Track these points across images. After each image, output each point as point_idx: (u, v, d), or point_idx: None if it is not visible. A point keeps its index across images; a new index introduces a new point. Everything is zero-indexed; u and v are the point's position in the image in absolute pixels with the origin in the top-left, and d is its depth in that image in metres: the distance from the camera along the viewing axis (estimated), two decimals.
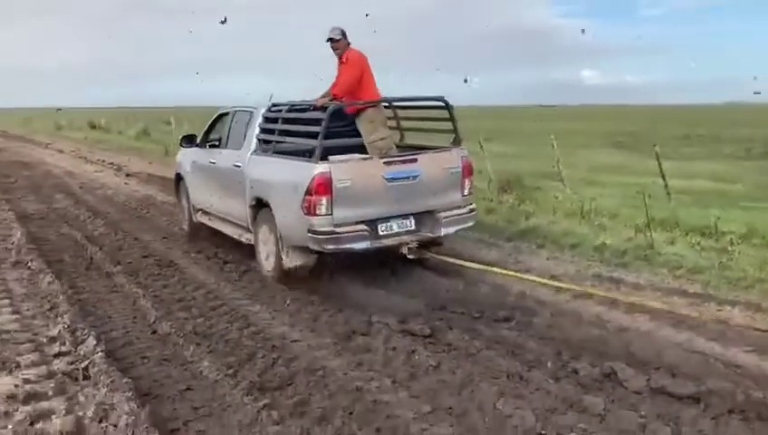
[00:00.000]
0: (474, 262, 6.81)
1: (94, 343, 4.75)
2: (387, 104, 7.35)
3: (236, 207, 7.48)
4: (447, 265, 6.84)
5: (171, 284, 6.72)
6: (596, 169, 16.83)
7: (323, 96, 6.98)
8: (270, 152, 7.13)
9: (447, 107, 7.09)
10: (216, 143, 8.41)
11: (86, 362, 4.40)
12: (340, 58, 7.02)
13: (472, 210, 7.06)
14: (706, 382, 4.04)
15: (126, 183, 14.89)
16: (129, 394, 3.86)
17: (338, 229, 6.15)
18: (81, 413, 3.70)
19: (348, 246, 6.20)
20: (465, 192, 6.97)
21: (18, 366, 4.32)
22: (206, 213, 8.60)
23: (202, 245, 8.33)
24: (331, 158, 6.43)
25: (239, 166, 7.38)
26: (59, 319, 5.36)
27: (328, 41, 7.01)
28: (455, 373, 4.36)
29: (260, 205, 6.97)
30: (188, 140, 8.98)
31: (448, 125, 7.03)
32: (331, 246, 6.16)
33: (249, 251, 7.31)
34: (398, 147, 7.34)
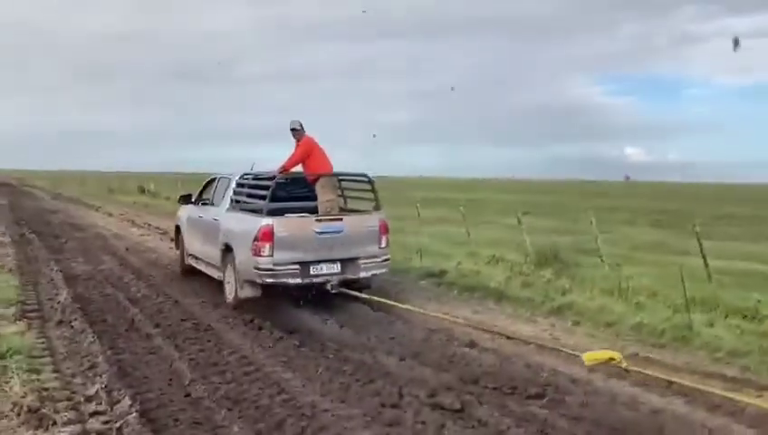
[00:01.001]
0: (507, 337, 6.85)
1: (129, 403, 4.87)
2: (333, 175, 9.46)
3: (214, 251, 9.48)
4: (483, 339, 6.93)
5: (207, 348, 6.84)
6: (636, 247, 16.64)
7: (279, 169, 9.23)
8: (238, 209, 9.23)
9: (370, 181, 9.31)
10: (206, 202, 10.66)
11: (120, 422, 4.51)
12: (297, 141, 9.42)
13: (386, 259, 9.03)
14: None
15: (170, 247, 15.26)
16: None
17: (276, 268, 8.14)
18: None
19: (283, 280, 8.22)
20: (382, 245, 8.90)
21: (55, 423, 4.44)
22: (195, 257, 10.68)
23: (239, 310, 8.48)
24: (287, 215, 8.61)
25: (217, 220, 9.55)
26: (97, 379, 5.51)
27: (291, 130, 9.49)
28: None
29: (227, 249, 8.97)
30: (185, 199, 11.49)
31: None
32: (270, 280, 8.18)
33: (285, 319, 7.86)
34: (342, 210, 9.48)
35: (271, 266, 8.13)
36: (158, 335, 7.30)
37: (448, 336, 7.26)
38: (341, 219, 8.73)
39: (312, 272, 8.36)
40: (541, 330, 7.73)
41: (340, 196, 9.80)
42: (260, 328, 7.61)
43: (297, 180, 9.57)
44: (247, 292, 8.53)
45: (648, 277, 10.26)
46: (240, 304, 8.60)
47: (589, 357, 6.02)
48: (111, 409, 4.83)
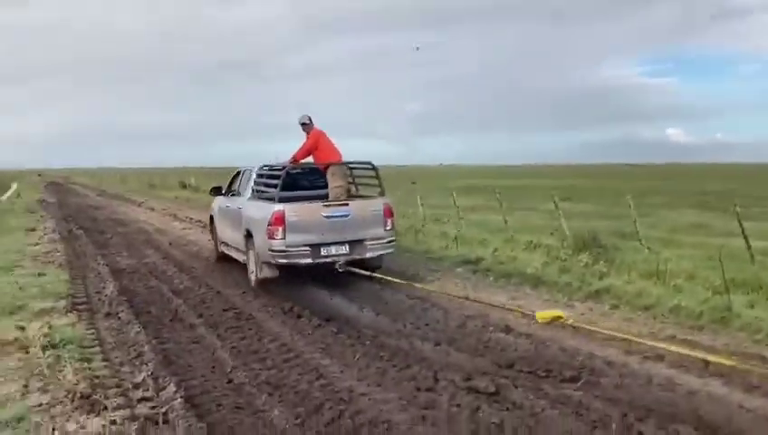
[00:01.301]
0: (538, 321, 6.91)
1: (174, 389, 5.07)
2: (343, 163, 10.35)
3: (239, 237, 10.32)
4: (518, 324, 7.02)
5: (248, 336, 7.03)
6: (676, 230, 16.39)
7: (290, 160, 10.29)
8: (256, 198, 10.13)
9: (374, 169, 10.19)
10: (233, 192, 11.51)
11: (166, 408, 4.71)
12: (307, 135, 10.34)
13: (391, 240, 9.77)
14: None
15: (210, 240, 15.62)
16: None
17: (289, 249, 8.97)
18: None
19: (296, 261, 9.06)
20: (387, 227, 9.66)
21: (106, 409, 4.66)
22: (226, 244, 11.55)
23: (278, 300, 8.67)
24: (298, 201, 9.39)
25: (240, 208, 10.46)
26: (144, 367, 5.75)
27: (300, 124, 10.38)
28: (517, 432, 4.39)
29: (249, 235, 9.81)
30: (217, 191, 12.48)
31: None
32: (283, 261, 9.02)
33: (323, 307, 8.17)
34: (350, 196, 10.32)
35: (284, 248, 8.98)
36: (200, 325, 7.53)
37: (484, 322, 7.31)
38: (348, 204, 9.55)
39: (322, 253, 9.22)
40: (578, 314, 7.72)
41: (351, 183, 10.72)
42: (299, 316, 7.78)
43: (314, 170, 10.65)
44: (266, 272, 9.41)
45: (687, 260, 10.15)
46: (263, 285, 9.48)
47: (540, 315, 7.16)
48: (158, 395, 5.05)
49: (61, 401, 4.78)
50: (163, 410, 4.67)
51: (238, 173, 11.72)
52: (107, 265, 11.62)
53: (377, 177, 10.09)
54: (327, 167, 10.22)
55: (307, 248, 9.07)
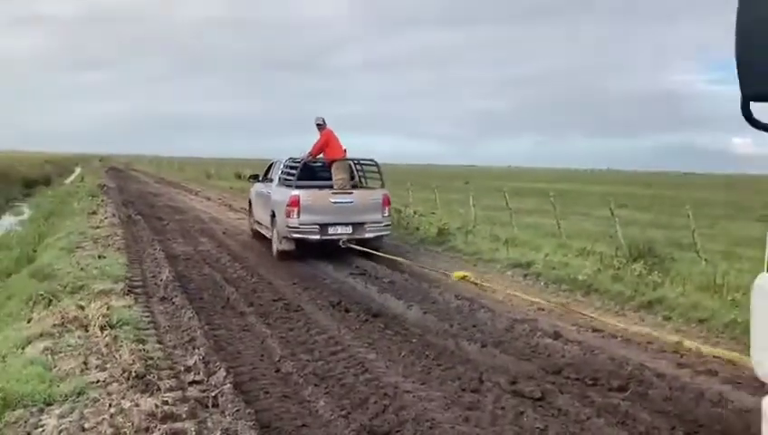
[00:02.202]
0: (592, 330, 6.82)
1: (224, 374, 5.20)
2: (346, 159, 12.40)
3: (266, 217, 12.46)
4: (567, 330, 6.94)
5: (297, 327, 7.15)
6: (738, 243, 15.87)
7: (307, 155, 12.32)
8: (282, 185, 12.11)
9: (376, 165, 12.53)
10: (267, 179, 13.51)
11: (216, 392, 4.84)
12: (320, 133, 12.31)
13: (387, 225, 11.95)
14: None
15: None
16: (251, 424, 4.23)
17: (301, 226, 11.10)
18: None
19: (307, 236, 11.19)
20: (385, 214, 11.76)
21: (159, 389, 4.81)
22: (258, 223, 13.74)
23: (327, 293, 8.78)
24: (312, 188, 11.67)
25: (269, 193, 12.50)
26: (195, 351, 5.90)
27: (316, 125, 12.29)
28: None
29: (273, 214, 11.87)
30: (254, 178, 15.02)
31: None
32: (297, 236, 11.18)
33: (371, 303, 8.29)
34: (354, 187, 12.36)
35: (297, 225, 11.10)
36: (251, 314, 7.69)
37: (532, 327, 7.25)
38: (352, 193, 11.81)
39: (329, 232, 11.32)
40: (631, 324, 7.58)
41: (353, 177, 12.81)
42: (347, 310, 7.86)
43: (324, 163, 12.55)
44: (284, 246, 11.48)
45: (747, 274, 9.81)
46: (281, 257, 11.55)
47: (456, 275, 9.65)
48: (208, 379, 5.18)
49: (117, 380, 4.96)
50: (213, 394, 4.80)
51: (272, 164, 13.71)
52: (163, 251, 11.95)
53: (378, 172, 12.42)
54: (332, 162, 12.19)
55: (317, 227, 11.20)
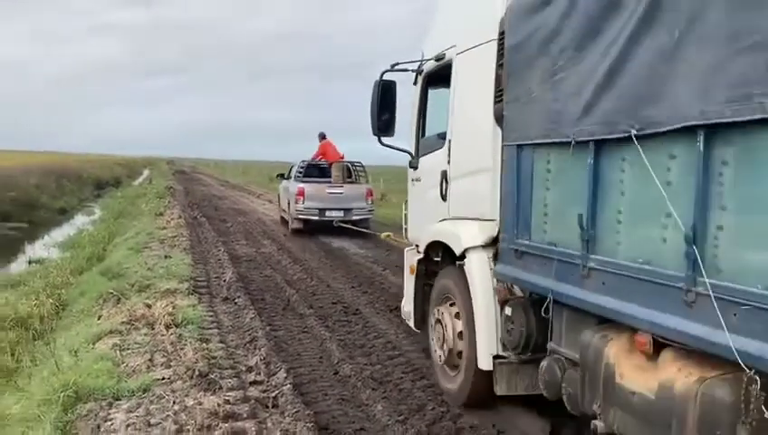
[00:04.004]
0: None
1: (284, 376, 5.28)
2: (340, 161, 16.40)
3: (285, 205, 16.71)
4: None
5: (355, 331, 7.20)
6: None
7: (311, 159, 16.95)
8: (294, 180, 15.93)
9: (362, 167, 16.57)
10: (289, 177, 17.20)
11: (276, 392, 4.92)
12: (320, 143, 17.00)
13: (370, 210, 15.89)
14: None
15: (324, 234, 16.09)
16: (310, 425, 4.27)
17: (306, 210, 15.13)
18: None
19: (309, 217, 15.23)
20: (368, 202, 15.72)
21: (221, 388, 4.92)
22: (282, 210, 17.69)
23: (386, 297, 8.80)
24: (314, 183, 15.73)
25: (287, 187, 16.50)
26: (257, 351, 6.02)
27: (318, 136, 17.05)
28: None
29: (288, 203, 16.04)
30: (281, 176, 18.76)
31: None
32: (303, 217, 15.23)
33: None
34: (345, 182, 15.77)
35: (303, 209, 15.17)
36: (311, 316, 7.78)
37: None
38: (342, 186, 15.53)
39: (326, 215, 15.28)
40: None
41: (350, 174, 16.23)
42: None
43: (326, 167, 16.58)
44: (295, 225, 15.66)
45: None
46: (293, 233, 15.61)
47: (383, 235, 13.18)
48: (268, 379, 5.27)
49: (181, 377, 5.10)
50: (273, 394, 4.88)
51: (293, 166, 17.47)
52: (226, 252, 12.23)
53: (364, 172, 16.50)
54: (331, 164, 16.16)
55: (316, 210, 15.20)
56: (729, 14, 2.48)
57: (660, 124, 2.86)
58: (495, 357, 4.47)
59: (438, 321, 5.20)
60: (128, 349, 5.87)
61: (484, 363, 4.50)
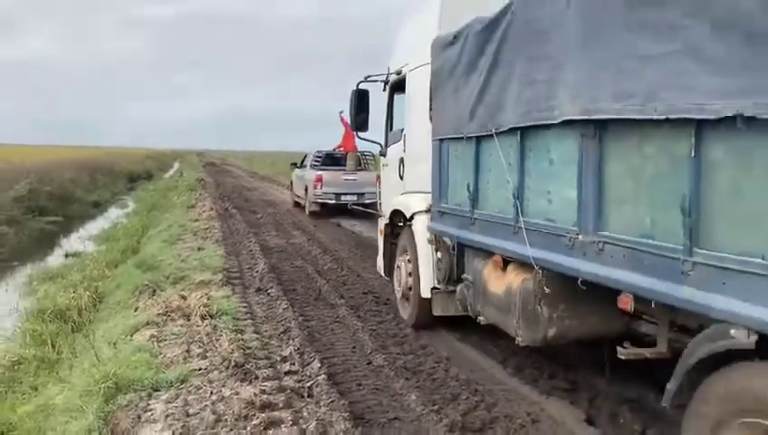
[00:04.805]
0: None
1: (318, 365, 5.33)
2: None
3: (302, 191, 19.16)
4: None
5: (387, 320, 7.22)
6: None
7: (338, 146, 19.30)
8: (312, 168, 18.25)
9: (373, 156, 16.85)
10: (302, 166, 19.68)
11: (311, 382, 4.97)
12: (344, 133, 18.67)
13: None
14: None
15: (353, 224, 16.17)
16: (346, 415, 4.30)
17: (323, 195, 17.46)
18: (304, 426, 4.19)
19: (326, 201, 17.52)
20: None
21: (257, 378, 4.98)
22: (296, 195, 20.34)
23: None
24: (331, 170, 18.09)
25: (304, 174, 18.94)
26: (290, 341, 6.08)
27: (341, 119, 18.08)
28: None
29: (306, 188, 18.37)
30: (294, 165, 21.25)
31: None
32: (320, 200, 17.59)
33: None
34: (358, 170, 17.92)
35: (321, 194, 17.48)
36: (342, 306, 7.83)
37: None
38: (356, 173, 17.63)
39: (341, 199, 17.19)
40: None
41: (360, 163, 18.23)
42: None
43: (340, 157, 18.71)
44: (313, 207, 17.96)
45: None
46: (314, 215, 17.91)
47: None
48: (303, 369, 5.32)
49: (217, 368, 5.17)
50: (308, 384, 4.92)
51: (306, 155, 19.88)
52: (258, 244, 12.35)
53: (373, 160, 17.20)
54: (346, 154, 18.02)
55: (332, 195, 17.41)
56: (525, 65, 4.41)
57: (503, 126, 4.67)
58: (433, 289, 6.29)
59: (398, 267, 7.07)
60: (164, 340, 5.97)
61: (426, 293, 6.37)
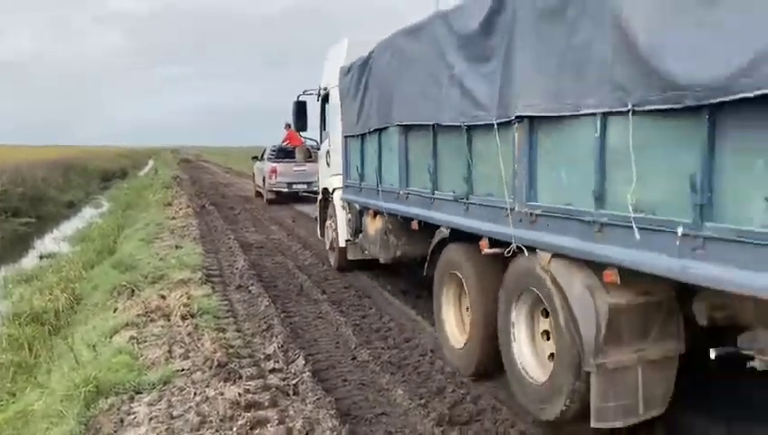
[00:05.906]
0: None
1: (303, 362, 5.29)
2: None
3: (260, 181, 20.87)
4: None
5: (370, 314, 7.20)
6: None
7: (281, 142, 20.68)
8: (268, 160, 20.00)
9: (318, 148, 15.93)
10: (262, 159, 21.09)
11: (296, 380, 4.93)
12: (286, 132, 19.74)
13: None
14: None
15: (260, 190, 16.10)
16: (332, 412, 4.27)
17: (277, 184, 19.62)
18: (290, 425, 4.15)
19: (280, 189, 19.65)
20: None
21: (241, 378, 4.93)
22: (257, 186, 21.87)
23: (397, 281, 8.79)
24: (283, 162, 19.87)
25: (262, 166, 20.59)
26: (274, 339, 6.02)
27: (285, 126, 19.22)
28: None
29: (263, 179, 20.35)
30: (255, 158, 22.71)
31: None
32: (275, 189, 19.76)
33: None
34: (306, 161, 16.22)
35: (275, 183, 19.48)
36: (324, 301, 7.79)
37: None
38: (305, 164, 17.08)
39: (293, 187, 19.38)
40: None
41: (311, 155, 17.51)
42: (417, 297, 7.84)
43: (291, 150, 18.41)
44: (270, 196, 19.86)
45: None
46: (271, 202, 19.87)
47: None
48: (287, 367, 5.28)
49: (200, 368, 5.11)
50: (293, 382, 4.88)
51: (265, 149, 21.23)
52: (236, 240, 12.25)
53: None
54: (295, 147, 17.56)
55: (285, 184, 19.43)
56: (377, 90, 6.95)
57: (371, 128, 7.17)
58: (347, 240, 8.86)
59: (327, 228, 9.80)
60: (145, 341, 5.89)
61: (342, 244, 9.04)
